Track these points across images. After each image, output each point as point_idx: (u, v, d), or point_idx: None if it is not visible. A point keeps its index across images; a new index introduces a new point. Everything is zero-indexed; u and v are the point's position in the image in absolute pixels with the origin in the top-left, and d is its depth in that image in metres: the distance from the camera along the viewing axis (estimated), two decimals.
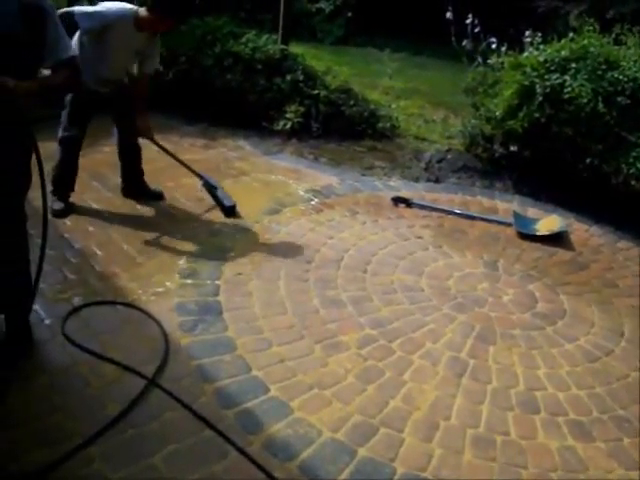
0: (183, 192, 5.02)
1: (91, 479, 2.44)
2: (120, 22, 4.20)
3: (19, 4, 2.54)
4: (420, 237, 4.68)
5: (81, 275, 3.78)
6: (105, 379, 2.95)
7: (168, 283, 3.76)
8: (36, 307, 3.35)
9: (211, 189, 4.91)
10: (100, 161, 5.39)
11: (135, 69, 4.59)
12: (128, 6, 4.31)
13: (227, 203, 4.78)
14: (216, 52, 6.84)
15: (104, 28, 4.19)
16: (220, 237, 4.39)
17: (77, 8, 4.24)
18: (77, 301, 3.50)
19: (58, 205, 4.55)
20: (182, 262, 4.01)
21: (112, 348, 3.15)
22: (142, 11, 4.25)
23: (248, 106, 6.69)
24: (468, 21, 6.70)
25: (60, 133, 4.52)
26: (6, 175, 2.74)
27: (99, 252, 4.05)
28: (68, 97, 4.42)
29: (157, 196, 4.92)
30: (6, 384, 2.83)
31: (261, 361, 3.15)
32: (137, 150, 4.84)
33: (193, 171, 4.96)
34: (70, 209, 4.58)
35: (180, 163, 4.94)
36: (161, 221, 4.57)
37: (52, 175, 4.45)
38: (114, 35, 4.23)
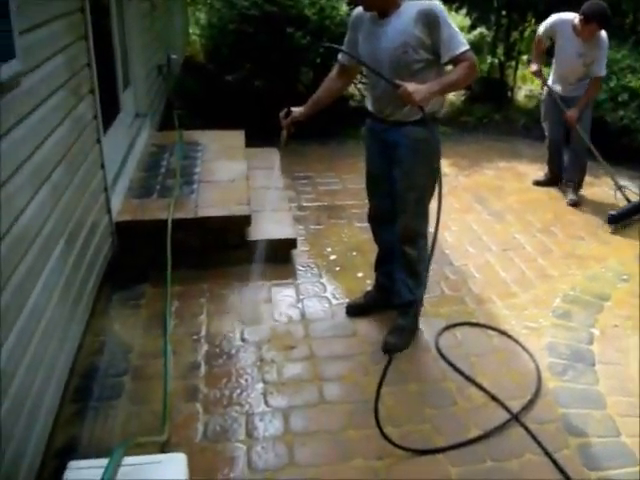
0: (562, 228, 4.94)
1: None
2: (561, 26, 5.10)
3: (417, 13, 2.87)
4: None
5: (458, 293, 3.92)
6: (471, 402, 3.01)
7: (541, 320, 3.70)
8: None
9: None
10: (482, 183, 5.54)
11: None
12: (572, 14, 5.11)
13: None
14: (610, 86, 6.53)
15: (553, 31, 5.20)
16: (599, 282, 4.18)
17: None
18: (452, 318, 3.64)
19: (572, 196, 5.39)
20: (557, 301, 3.91)
21: (480, 372, 3.20)
22: (577, 18, 4.95)
23: (638, 145, 6.27)
24: None
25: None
26: (416, 173, 3.13)
27: (476, 274, 4.18)
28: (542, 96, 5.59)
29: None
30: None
31: (632, 428, 2.90)
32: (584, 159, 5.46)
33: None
34: (579, 202, 5.36)
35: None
36: (535, 255, 4.52)
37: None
38: (560, 37, 5.16)
